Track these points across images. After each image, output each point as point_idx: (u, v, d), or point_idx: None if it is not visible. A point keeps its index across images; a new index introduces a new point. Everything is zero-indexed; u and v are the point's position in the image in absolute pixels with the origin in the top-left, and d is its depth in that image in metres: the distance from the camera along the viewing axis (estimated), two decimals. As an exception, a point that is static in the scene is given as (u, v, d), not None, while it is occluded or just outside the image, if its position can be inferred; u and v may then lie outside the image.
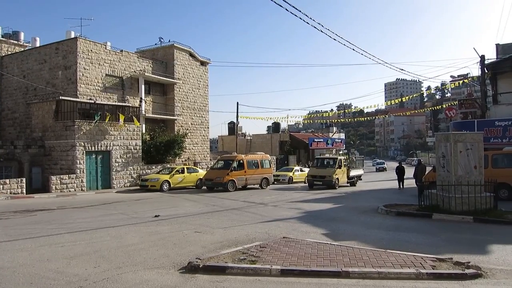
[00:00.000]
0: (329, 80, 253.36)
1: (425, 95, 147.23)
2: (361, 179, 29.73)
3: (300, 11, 12.42)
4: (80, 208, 15.24)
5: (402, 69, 49.31)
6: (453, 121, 24.04)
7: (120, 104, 27.36)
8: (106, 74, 28.85)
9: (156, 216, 12.28)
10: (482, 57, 20.97)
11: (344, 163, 25.96)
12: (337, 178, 24.53)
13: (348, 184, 26.77)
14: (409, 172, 26.36)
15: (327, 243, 7.89)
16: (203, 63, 38.12)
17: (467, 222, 10.68)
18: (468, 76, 31.29)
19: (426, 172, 20.16)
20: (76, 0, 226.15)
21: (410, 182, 24.20)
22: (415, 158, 69.50)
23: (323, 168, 25.25)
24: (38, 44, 32.38)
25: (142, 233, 9.42)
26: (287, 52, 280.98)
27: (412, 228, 10.05)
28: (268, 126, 78.28)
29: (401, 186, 23.54)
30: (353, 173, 27.40)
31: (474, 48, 20.94)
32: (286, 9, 11.73)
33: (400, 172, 23.90)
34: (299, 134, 56.81)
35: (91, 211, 14.15)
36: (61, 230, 9.97)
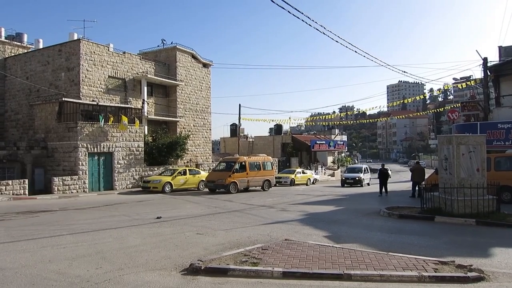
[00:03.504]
0: (331, 82, 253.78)
1: (427, 97, 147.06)
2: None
3: (303, 13, 12.45)
4: (82, 209, 15.27)
5: (404, 71, 49.37)
6: (455, 124, 23.97)
7: (123, 105, 27.43)
8: (108, 76, 28.94)
9: (158, 217, 12.29)
10: (485, 60, 20.90)
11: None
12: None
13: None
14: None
15: (329, 246, 7.87)
16: (205, 65, 38.20)
17: (470, 225, 10.65)
18: (471, 78, 31.23)
19: (428, 175, 19.93)
20: (79, 2, 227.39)
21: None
22: (420, 160, 69.27)
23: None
24: (41, 46, 32.54)
25: (144, 235, 9.42)
26: (290, 55, 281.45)
27: (414, 231, 10.02)
28: (270, 128, 78.31)
29: (383, 192, 20.78)
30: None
31: (476, 51, 20.88)
32: (289, 11, 11.75)
33: (382, 176, 21.10)
34: (301, 136, 56.83)
35: (93, 213, 14.17)
36: (63, 231, 9.98)
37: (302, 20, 12.72)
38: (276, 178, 28.57)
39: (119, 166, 24.93)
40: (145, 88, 31.63)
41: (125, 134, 25.40)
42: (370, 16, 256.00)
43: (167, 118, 33.86)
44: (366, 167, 33.71)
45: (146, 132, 29.63)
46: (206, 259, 6.71)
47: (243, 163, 23.84)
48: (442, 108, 58.61)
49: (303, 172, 33.64)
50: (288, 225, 10.95)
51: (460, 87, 34.37)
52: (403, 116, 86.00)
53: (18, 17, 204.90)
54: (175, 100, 34.52)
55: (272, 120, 67.03)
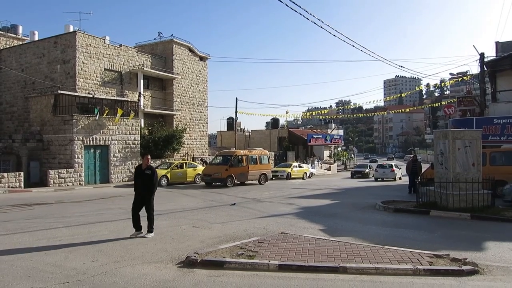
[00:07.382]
0: (328, 77, 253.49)
1: (424, 92, 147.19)
2: None
3: (300, 7, 12.39)
4: (78, 202, 15.23)
5: (401, 66, 49.26)
6: (451, 119, 24.03)
7: (119, 98, 27.30)
8: (105, 69, 28.74)
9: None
10: (482, 55, 20.91)
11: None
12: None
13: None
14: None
15: (325, 239, 7.90)
16: (202, 58, 38.02)
17: (465, 219, 10.72)
18: (468, 73, 31.25)
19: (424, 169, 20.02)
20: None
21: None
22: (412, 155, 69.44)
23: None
24: (36, 38, 32.20)
25: (140, 228, 9.40)
26: (287, 49, 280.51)
27: (409, 225, 10.08)
28: (267, 122, 78.30)
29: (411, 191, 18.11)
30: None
31: (473, 46, 20.85)
32: (286, 5, 11.69)
33: (414, 169, 18.70)
34: (298, 130, 56.81)
35: (89, 205, 14.15)
36: (59, 224, 9.96)
37: (300, 13, 12.68)
38: (272, 172, 28.59)
39: (115, 159, 24.86)
40: (142, 81, 31.47)
41: (121, 127, 25.29)
42: (367, 10, 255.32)
43: (164, 112, 33.75)
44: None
45: (142, 125, 29.53)
46: (202, 252, 6.72)
47: (240, 157, 23.84)
48: (439, 103, 58.61)
49: (300, 166, 33.69)
50: (284, 218, 10.99)
51: (454, 82, 34.39)
52: (400, 110, 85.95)
53: (13, 9, 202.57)
54: (172, 94, 34.40)
55: (269, 114, 66.95)
